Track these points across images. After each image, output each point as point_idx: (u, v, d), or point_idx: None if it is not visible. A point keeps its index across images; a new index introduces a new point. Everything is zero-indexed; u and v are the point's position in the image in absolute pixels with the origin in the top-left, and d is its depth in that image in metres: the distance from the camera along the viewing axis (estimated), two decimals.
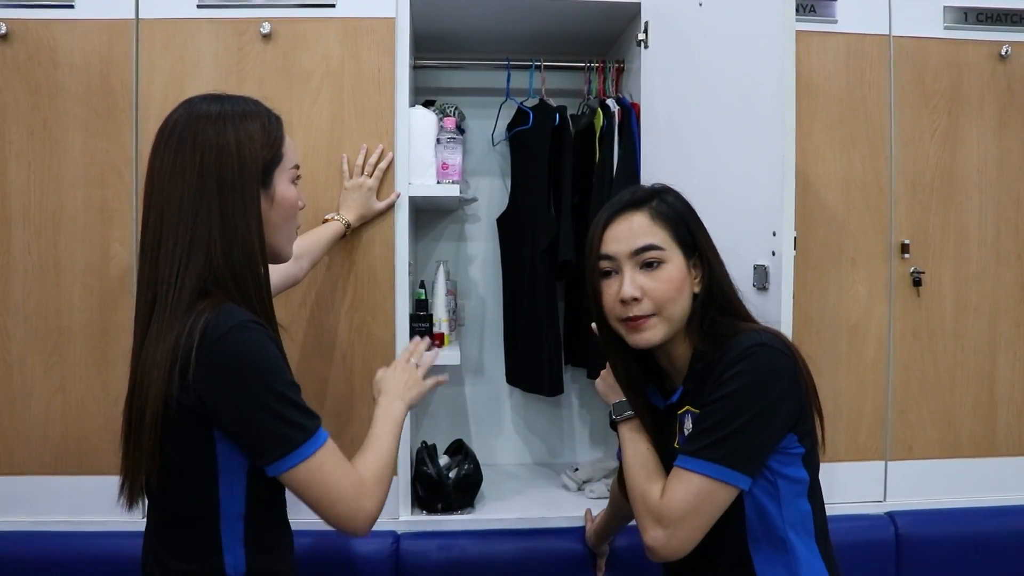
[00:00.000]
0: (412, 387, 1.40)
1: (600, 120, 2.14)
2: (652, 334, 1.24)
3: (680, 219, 1.26)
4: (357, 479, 1.12)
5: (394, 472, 1.23)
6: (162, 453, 1.08)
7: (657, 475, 1.24)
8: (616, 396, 1.37)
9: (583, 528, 1.83)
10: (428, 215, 2.47)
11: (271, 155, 1.15)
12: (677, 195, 1.30)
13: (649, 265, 1.23)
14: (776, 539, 1.19)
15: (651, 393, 1.36)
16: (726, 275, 1.28)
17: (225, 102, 1.14)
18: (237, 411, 1.04)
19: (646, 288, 1.22)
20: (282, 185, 1.17)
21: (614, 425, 1.37)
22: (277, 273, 1.59)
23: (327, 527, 1.76)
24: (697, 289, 1.26)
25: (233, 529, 1.10)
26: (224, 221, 1.08)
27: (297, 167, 1.21)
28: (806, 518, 1.21)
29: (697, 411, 1.21)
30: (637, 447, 1.30)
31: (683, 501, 1.15)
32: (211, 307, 1.04)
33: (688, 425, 1.24)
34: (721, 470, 1.13)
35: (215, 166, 1.08)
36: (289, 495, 1.16)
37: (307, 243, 1.73)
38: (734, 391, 1.14)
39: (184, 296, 1.06)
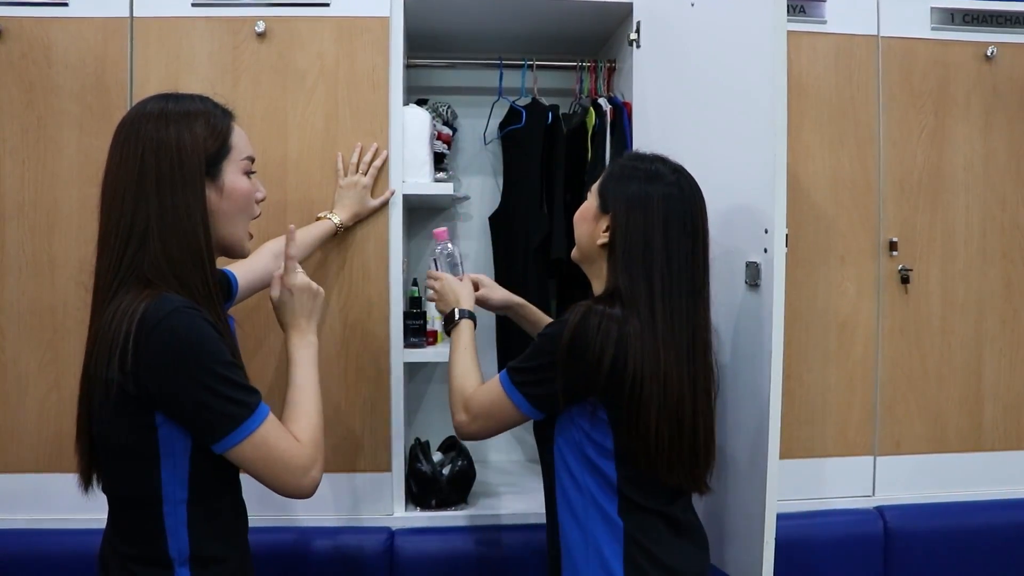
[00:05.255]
0: (316, 309, 1.33)
1: (592, 119, 2.15)
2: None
3: (607, 178, 1.42)
4: (299, 448, 1.16)
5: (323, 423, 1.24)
6: (106, 439, 1.13)
7: (476, 372, 1.48)
8: (467, 304, 1.62)
9: None
10: (421, 213, 2.48)
11: (217, 147, 1.18)
12: (642, 167, 1.39)
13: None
14: (576, 494, 1.33)
15: None
16: (641, 250, 1.31)
17: (171, 100, 1.18)
18: (180, 394, 1.07)
19: None
20: (231, 175, 1.19)
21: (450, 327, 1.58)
22: (254, 270, 1.59)
23: (315, 524, 1.81)
24: (600, 241, 1.38)
25: (176, 514, 1.13)
26: (163, 214, 1.11)
27: (251, 159, 1.24)
28: (609, 483, 1.31)
29: None
30: (468, 344, 1.54)
31: (485, 400, 1.39)
32: (150, 297, 1.07)
33: None
34: (513, 390, 1.34)
35: (154, 161, 1.12)
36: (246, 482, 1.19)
37: None
38: (547, 334, 1.32)
39: (126, 287, 1.10)
